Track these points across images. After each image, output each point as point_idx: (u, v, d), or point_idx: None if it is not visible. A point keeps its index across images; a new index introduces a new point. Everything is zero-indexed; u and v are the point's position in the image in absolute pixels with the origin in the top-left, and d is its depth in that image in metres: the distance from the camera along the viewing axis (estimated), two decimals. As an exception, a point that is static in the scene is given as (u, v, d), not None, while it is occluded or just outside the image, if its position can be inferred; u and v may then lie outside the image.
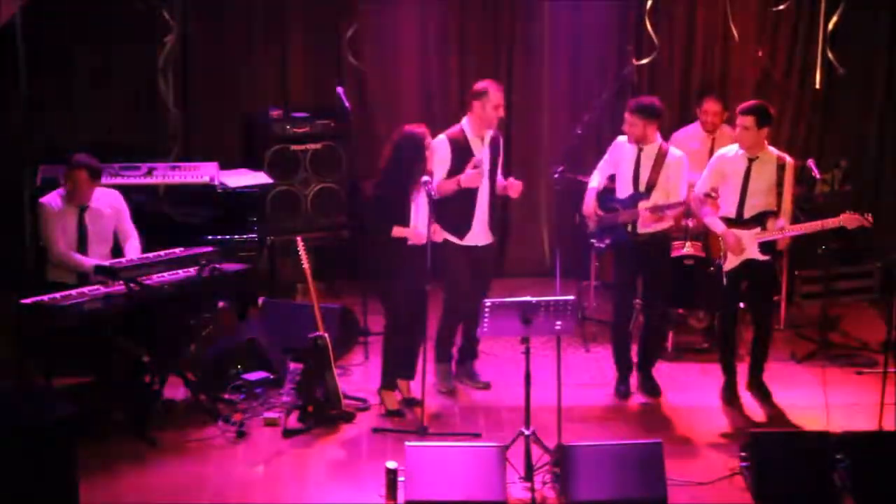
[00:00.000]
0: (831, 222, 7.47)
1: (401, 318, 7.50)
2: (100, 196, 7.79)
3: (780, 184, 7.52)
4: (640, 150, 7.70)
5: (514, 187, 7.72)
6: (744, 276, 7.64)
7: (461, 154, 7.64)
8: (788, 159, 7.61)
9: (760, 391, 7.81)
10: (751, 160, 7.53)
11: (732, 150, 7.65)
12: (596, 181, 7.94)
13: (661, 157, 7.67)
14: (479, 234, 7.76)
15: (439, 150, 7.60)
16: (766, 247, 7.57)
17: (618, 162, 7.83)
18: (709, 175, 7.72)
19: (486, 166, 7.66)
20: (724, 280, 7.66)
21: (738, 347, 7.97)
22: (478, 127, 7.69)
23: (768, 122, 7.50)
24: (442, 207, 7.45)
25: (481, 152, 7.68)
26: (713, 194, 7.55)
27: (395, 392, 7.62)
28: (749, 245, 7.56)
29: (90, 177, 7.66)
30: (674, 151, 7.73)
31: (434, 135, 7.53)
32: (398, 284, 7.40)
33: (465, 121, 7.73)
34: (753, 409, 7.74)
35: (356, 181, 9.24)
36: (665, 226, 7.80)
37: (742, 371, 7.90)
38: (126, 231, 7.86)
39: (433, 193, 7.25)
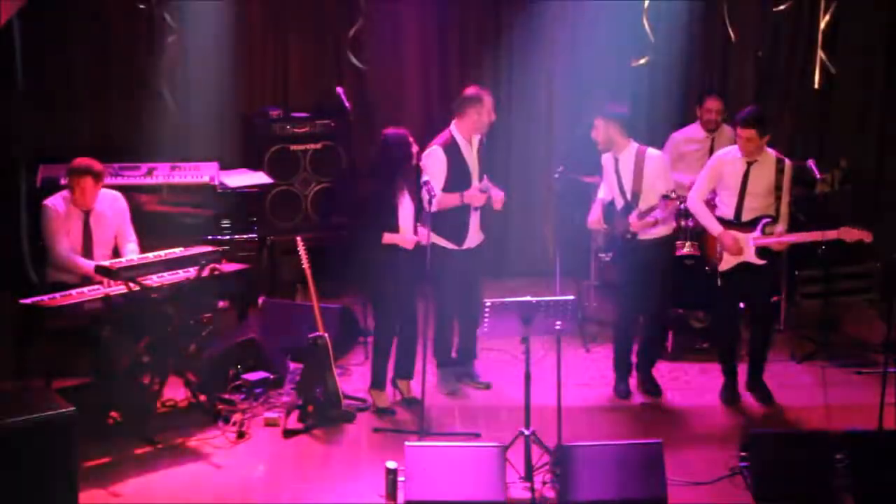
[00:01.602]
0: (830, 234, 7.45)
1: (391, 321, 7.53)
2: (102, 199, 7.77)
3: (778, 186, 7.51)
4: (617, 159, 7.68)
5: (497, 200, 7.74)
6: (740, 277, 7.63)
7: (456, 160, 7.65)
8: (787, 161, 7.60)
9: (761, 391, 7.81)
10: (749, 163, 7.52)
11: (730, 152, 7.64)
12: (602, 193, 7.94)
13: (639, 162, 7.61)
14: (473, 236, 7.80)
15: (436, 161, 7.61)
16: (762, 251, 7.56)
17: (607, 175, 7.83)
18: (706, 177, 7.70)
19: (476, 173, 7.70)
20: (719, 280, 7.66)
21: (738, 348, 7.96)
22: (469, 131, 7.70)
23: (768, 129, 7.49)
24: (438, 217, 7.45)
25: (471, 159, 7.70)
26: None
27: (384, 391, 7.65)
28: (746, 248, 7.55)
29: (95, 181, 7.64)
30: (651, 152, 7.66)
31: (422, 138, 7.54)
32: (388, 287, 7.42)
33: (454, 126, 7.73)
34: (753, 409, 7.74)
35: (355, 182, 9.26)
36: (666, 230, 7.78)
37: (742, 371, 7.90)
38: (126, 234, 7.84)
39: (433, 193, 7.26)
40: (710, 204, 7.82)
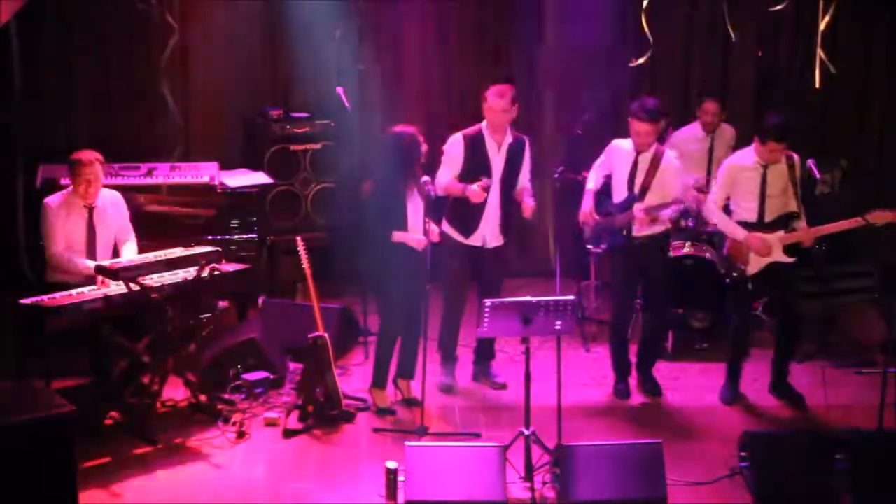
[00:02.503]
0: (857, 221, 7.41)
1: (395, 319, 7.52)
2: (105, 197, 7.78)
3: (794, 182, 7.51)
4: (638, 153, 7.69)
5: (527, 208, 7.72)
6: (767, 278, 7.60)
7: (476, 153, 7.66)
8: (795, 156, 7.60)
9: (789, 394, 7.76)
10: (765, 166, 7.51)
11: (744, 157, 7.60)
12: (592, 182, 7.92)
13: (656, 159, 7.64)
14: (486, 235, 7.77)
15: (453, 147, 7.65)
16: (791, 249, 7.55)
17: (614, 165, 7.80)
18: (722, 186, 7.65)
19: (498, 173, 7.68)
20: (749, 285, 7.60)
21: (749, 350, 7.95)
22: (489, 128, 7.70)
23: None
24: (453, 203, 7.52)
25: (495, 157, 7.68)
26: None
27: (385, 391, 7.65)
28: (774, 248, 7.53)
29: (102, 167, 7.65)
30: (669, 154, 7.72)
31: (434, 135, 7.54)
32: (394, 286, 7.42)
33: (484, 122, 7.76)
34: (753, 409, 7.74)
35: (358, 182, 9.25)
36: (660, 229, 7.78)
37: (746, 372, 7.89)
38: (125, 233, 7.84)
39: (433, 194, 7.26)
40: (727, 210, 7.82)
